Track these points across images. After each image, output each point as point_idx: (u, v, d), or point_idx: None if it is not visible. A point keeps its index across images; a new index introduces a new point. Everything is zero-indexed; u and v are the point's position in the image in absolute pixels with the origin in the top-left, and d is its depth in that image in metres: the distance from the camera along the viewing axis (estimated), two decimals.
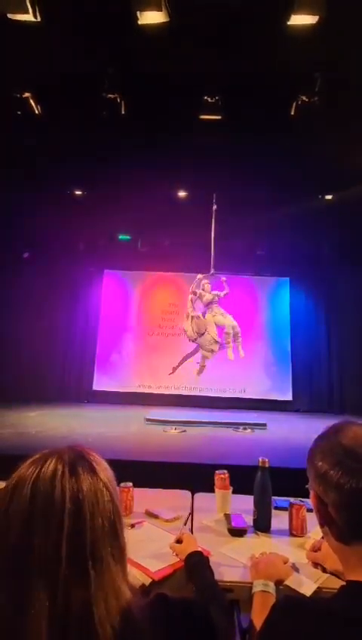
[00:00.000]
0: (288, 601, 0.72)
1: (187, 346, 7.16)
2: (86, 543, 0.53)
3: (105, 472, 0.61)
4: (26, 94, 4.08)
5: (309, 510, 1.43)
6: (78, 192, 6.29)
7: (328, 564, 1.07)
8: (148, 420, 5.54)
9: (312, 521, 1.35)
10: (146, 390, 7.79)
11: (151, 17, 2.96)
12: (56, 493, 0.54)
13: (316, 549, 1.13)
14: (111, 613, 0.52)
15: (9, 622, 0.49)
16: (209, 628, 0.71)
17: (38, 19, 2.97)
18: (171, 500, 1.58)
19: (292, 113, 4.13)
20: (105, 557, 0.54)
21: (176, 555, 1.11)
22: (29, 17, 2.91)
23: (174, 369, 7.53)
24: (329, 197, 6.06)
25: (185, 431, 5.02)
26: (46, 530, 0.52)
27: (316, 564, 1.11)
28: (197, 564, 1.02)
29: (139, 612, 0.56)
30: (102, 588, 0.53)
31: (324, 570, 1.08)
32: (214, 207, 5.67)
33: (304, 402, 7.65)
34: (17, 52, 3.61)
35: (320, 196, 6.09)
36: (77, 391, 7.81)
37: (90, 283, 8.29)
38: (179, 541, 1.13)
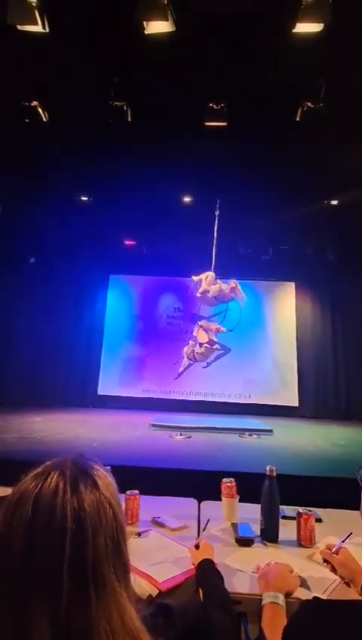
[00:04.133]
0: (316, 599, 0.71)
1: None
2: (88, 564, 0.52)
3: (109, 488, 0.59)
4: (34, 103, 4.15)
5: (318, 520, 1.42)
6: (83, 198, 6.36)
7: (342, 571, 1.06)
8: (153, 425, 5.52)
9: (321, 532, 1.33)
10: (151, 395, 7.78)
11: (158, 27, 2.99)
12: (57, 512, 0.52)
13: (333, 550, 1.11)
14: (115, 631, 0.51)
15: None
16: (211, 632, 0.70)
17: (47, 30, 3.03)
18: (177, 508, 1.56)
19: (298, 119, 4.14)
20: (107, 577, 0.53)
21: (191, 558, 1.12)
22: (37, 28, 2.97)
23: (179, 374, 7.51)
24: (334, 202, 6.05)
25: (190, 437, 4.99)
26: (47, 550, 0.51)
27: (326, 562, 1.09)
28: (208, 571, 1.03)
29: (143, 627, 0.56)
30: (104, 609, 0.51)
31: (333, 570, 1.07)
32: (217, 212, 5.68)
33: (310, 408, 7.58)
34: (26, 61, 3.68)
35: (325, 201, 6.09)
36: (82, 396, 7.81)
37: (95, 288, 8.34)
38: (197, 547, 1.15)
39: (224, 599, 0.92)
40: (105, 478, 0.61)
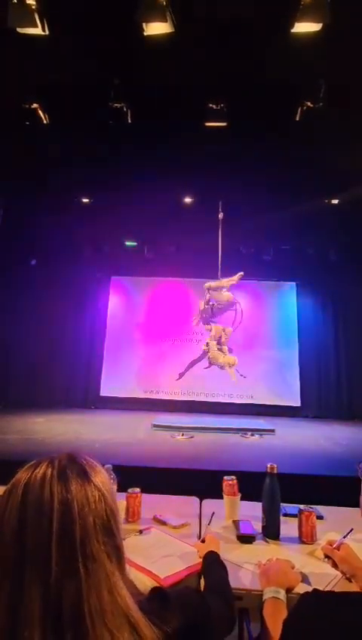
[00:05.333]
0: (316, 591, 0.73)
1: (194, 351, 7.16)
2: (75, 540, 0.55)
3: (99, 476, 0.62)
4: (35, 105, 4.17)
5: (319, 517, 1.42)
6: (85, 200, 6.38)
7: (343, 567, 1.06)
8: (155, 425, 5.52)
9: (322, 529, 1.33)
10: (153, 396, 7.78)
11: (157, 28, 3.01)
12: (45, 496, 0.56)
13: (334, 545, 1.11)
14: (104, 607, 0.54)
15: (2, 621, 0.51)
16: (206, 615, 0.72)
17: (47, 32, 3.05)
18: (179, 507, 1.57)
19: (298, 119, 4.15)
20: (97, 554, 0.56)
21: (198, 552, 1.14)
22: (37, 31, 2.99)
23: (181, 375, 7.52)
24: (335, 201, 6.06)
25: (192, 437, 4.99)
26: (36, 531, 0.55)
27: (327, 557, 1.09)
28: (213, 562, 1.04)
29: (135, 606, 0.58)
30: (94, 584, 0.54)
31: (335, 566, 1.07)
32: (220, 214, 5.67)
33: (312, 408, 7.57)
34: (26, 64, 3.70)
35: (326, 200, 6.09)
36: (84, 397, 7.83)
37: (97, 289, 8.36)
38: (203, 540, 1.17)
39: (224, 589, 0.94)
40: (95, 467, 0.64)
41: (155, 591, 0.70)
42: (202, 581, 1.01)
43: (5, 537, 0.55)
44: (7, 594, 0.52)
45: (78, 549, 0.55)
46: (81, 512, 0.57)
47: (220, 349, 5.94)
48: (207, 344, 6.01)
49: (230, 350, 6.08)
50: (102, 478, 0.63)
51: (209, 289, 5.95)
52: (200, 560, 1.10)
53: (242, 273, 5.78)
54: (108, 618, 0.54)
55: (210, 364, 6.02)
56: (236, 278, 5.81)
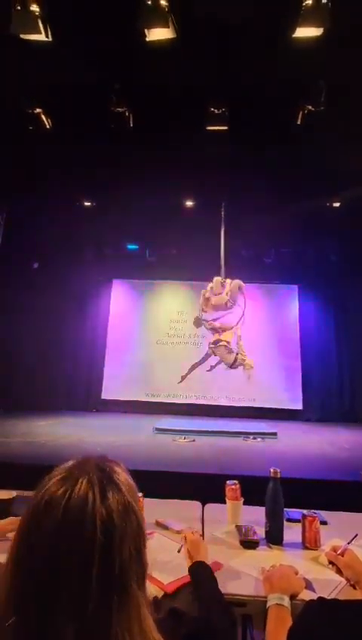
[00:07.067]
0: (321, 599, 0.72)
1: (196, 354, 7.15)
2: (114, 570, 0.53)
3: (131, 492, 0.60)
4: (38, 110, 4.21)
5: (323, 522, 1.41)
6: (86, 203, 6.41)
7: (347, 573, 1.05)
8: (157, 429, 5.51)
9: (326, 534, 1.32)
10: (155, 399, 7.77)
11: (159, 34, 3.03)
12: (87, 521, 0.53)
13: (338, 551, 1.10)
14: (134, 638, 0.52)
15: None
16: (213, 629, 0.73)
17: (50, 38, 3.07)
18: (181, 511, 1.56)
19: (299, 122, 4.16)
20: (130, 585, 0.54)
21: (186, 560, 1.13)
22: (41, 37, 3.02)
23: (183, 377, 7.51)
24: (336, 204, 6.06)
25: (194, 440, 4.98)
26: (75, 556, 0.52)
27: (332, 563, 1.09)
28: (199, 576, 1.03)
29: (158, 635, 0.57)
30: (125, 616, 0.52)
31: (339, 572, 1.06)
32: (223, 215, 5.66)
33: (314, 411, 7.54)
34: (29, 70, 3.73)
35: (327, 203, 6.10)
36: (86, 400, 7.83)
37: (98, 292, 8.38)
38: (185, 538, 1.16)
39: (220, 599, 0.94)
40: (127, 482, 0.61)
41: (171, 610, 0.70)
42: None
43: (38, 560, 0.51)
44: (36, 619, 0.49)
45: (114, 582, 0.52)
46: (120, 540, 0.54)
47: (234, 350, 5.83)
48: (220, 344, 5.85)
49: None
50: (133, 494, 0.60)
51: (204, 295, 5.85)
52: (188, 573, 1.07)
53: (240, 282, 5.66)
54: None
55: (235, 364, 5.86)
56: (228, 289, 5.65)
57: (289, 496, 1.38)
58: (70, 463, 0.61)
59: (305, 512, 1.34)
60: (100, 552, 0.52)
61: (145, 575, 0.59)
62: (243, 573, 1.13)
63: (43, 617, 0.50)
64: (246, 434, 5.35)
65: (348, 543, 1.11)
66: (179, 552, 1.18)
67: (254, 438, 5.20)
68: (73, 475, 0.58)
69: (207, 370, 6.59)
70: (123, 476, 0.62)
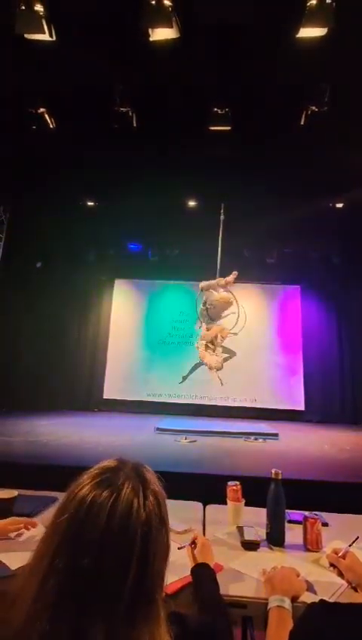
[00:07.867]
0: (323, 601, 0.73)
1: (197, 354, 7.14)
2: (148, 577, 0.55)
3: (164, 502, 0.61)
4: (41, 110, 4.22)
5: (324, 524, 1.40)
6: (90, 203, 6.42)
7: (349, 575, 1.05)
8: (158, 429, 5.51)
9: (327, 536, 1.32)
10: (156, 399, 7.77)
11: (163, 34, 3.04)
12: (129, 531, 0.55)
13: (339, 553, 1.10)
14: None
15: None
16: (213, 632, 0.75)
17: (54, 38, 3.08)
18: (182, 511, 1.56)
19: (302, 122, 4.16)
20: (156, 598, 0.56)
21: (189, 558, 1.13)
22: (45, 37, 3.03)
23: (184, 378, 7.51)
24: (339, 205, 6.05)
25: (195, 441, 4.97)
26: (116, 560, 0.53)
27: (333, 566, 1.08)
28: (200, 577, 1.03)
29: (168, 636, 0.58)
30: (147, 626, 0.54)
31: (340, 575, 1.06)
32: (221, 217, 5.65)
33: (316, 412, 7.52)
34: (33, 70, 3.74)
35: (330, 204, 6.09)
36: (87, 399, 7.83)
37: (100, 292, 8.39)
38: (193, 543, 1.14)
39: (220, 602, 0.94)
40: (161, 492, 0.63)
41: (175, 614, 0.69)
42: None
43: (81, 559, 0.52)
44: (69, 623, 0.50)
45: (147, 583, 0.54)
46: (154, 555, 0.56)
47: (211, 350, 5.83)
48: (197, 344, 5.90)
49: (226, 354, 5.97)
50: (164, 505, 0.61)
51: (202, 289, 5.83)
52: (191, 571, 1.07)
53: (236, 273, 5.52)
54: None
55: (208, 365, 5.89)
56: (231, 278, 5.56)
57: (291, 497, 1.37)
58: (107, 463, 0.62)
59: (306, 513, 1.34)
60: (138, 556, 0.54)
61: (163, 581, 0.60)
62: (244, 575, 1.13)
63: (80, 616, 0.51)
64: (248, 434, 5.34)
65: (350, 546, 1.11)
66: (179, 549, 1.17)
67: (255, 439, 5.19)
68: (115, 478, 0.59)
69: (210, 370, 6.58)
70: (156, 486, 0.63)
